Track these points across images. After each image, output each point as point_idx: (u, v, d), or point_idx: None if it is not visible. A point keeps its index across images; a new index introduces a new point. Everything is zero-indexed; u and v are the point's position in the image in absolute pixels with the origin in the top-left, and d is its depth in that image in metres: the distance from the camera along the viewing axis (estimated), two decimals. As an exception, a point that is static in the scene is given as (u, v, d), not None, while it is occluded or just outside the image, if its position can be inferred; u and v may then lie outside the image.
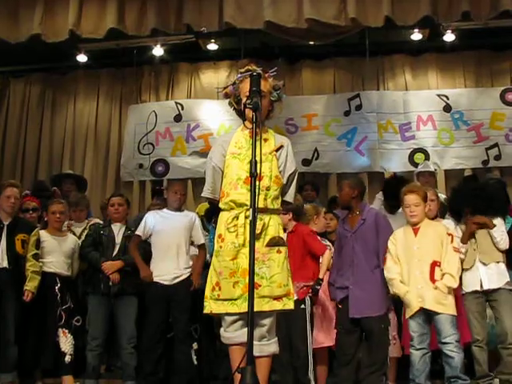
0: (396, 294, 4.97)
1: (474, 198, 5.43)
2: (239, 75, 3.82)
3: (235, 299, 3.61)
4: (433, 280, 4.81)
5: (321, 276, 5.33)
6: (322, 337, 5.52)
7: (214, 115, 8.95)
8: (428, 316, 4.84)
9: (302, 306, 5.23)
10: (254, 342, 3.35)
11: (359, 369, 5.15)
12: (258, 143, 3.46)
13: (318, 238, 5.63)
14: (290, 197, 3.91)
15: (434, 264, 4.85)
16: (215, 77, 9.30)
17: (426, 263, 4.86)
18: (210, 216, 6.69)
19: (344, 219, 5.38)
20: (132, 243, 5.80)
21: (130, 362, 5.72)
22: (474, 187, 5.68)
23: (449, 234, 4.95)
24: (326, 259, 5.39)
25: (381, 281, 5.07)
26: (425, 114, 8.65)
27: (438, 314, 4.77)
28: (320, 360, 5.54)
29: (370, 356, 5.09)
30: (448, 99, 8.64)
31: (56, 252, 5.83)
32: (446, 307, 4.76)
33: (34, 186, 7.83)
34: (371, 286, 5.08)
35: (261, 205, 3.58)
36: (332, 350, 5.54)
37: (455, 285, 4.85)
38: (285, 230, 5.01)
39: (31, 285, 5.51)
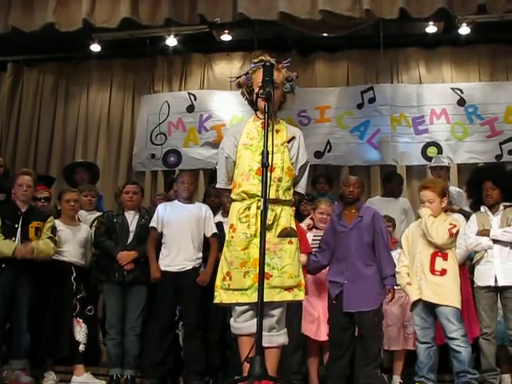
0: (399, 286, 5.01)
1: (497, 171, 5.44)
2: (252, 65, 3.81)
3: (246, 289, 3.62)
4: (433, 271, 4.79)
5: None
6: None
7: (226, 106, 8.94)
8: (430, 310, 4.83)
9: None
10: (264, 333, 3.37)
11: (353, 362, 5.23)
12: (269, 134, 3.47)
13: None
14: (301, 188, 3.92)
15: (435, 254, 4.83)
16: (228, 68, 9.26)
17: (426, 254, 4.86)
18: None
19: (339, 215, 5.43)
20: (149, 239, 5.80)
21: (131, 350, 5.75)
22: (498, 164, 5.58)
23: (451, 224, 4.90)
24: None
25: (375, 276, 5.16)
26: (438, 108, 8.59)
27: (438, 306, 4.75)
28: (311, 352, 5.60)
29: (364, 350, 5.15)
30: (462, 93, 8.57)
31: (71, 241, 5.86)
32: (445, 299, 4.73)
33: None
34: (365, 281, 5.16)
35: (272, 196, 3.59)
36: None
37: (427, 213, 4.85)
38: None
39: (37, 243, 5.48)
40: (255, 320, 3.41)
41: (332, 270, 5.36)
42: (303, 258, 5.37)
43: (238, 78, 3.92)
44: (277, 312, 3.68)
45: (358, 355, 5.19)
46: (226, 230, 3.84)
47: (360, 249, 5.22)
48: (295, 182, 3.86)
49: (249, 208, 3.68)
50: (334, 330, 5.27)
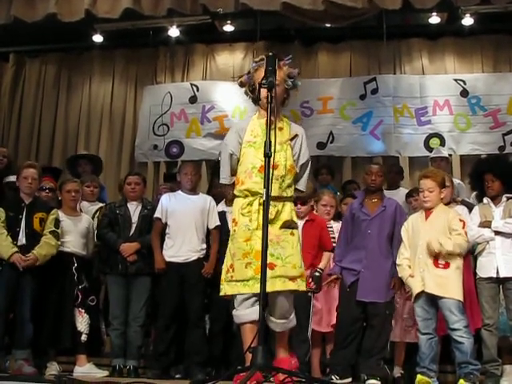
0: (401, 278, 5.00)
1: (498, 162, 5.45)
2: (254, 64, 3.86)
3: (247, 280, 3.67)
4: (436, 264, 4.78)
5: (322, 266, 5.43)
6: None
7: (229, 97, 8.91)
8: (432, 301, 4.82)
9: (309, 294, 5.30)
10: (276, 320, 3.60)
11: (359, 352, 5.23)
12: (272, 133, 3.51)
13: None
14: (302, 185, 4.01)
15: None
16: (231, 58, 9.25)
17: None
18: None
19: (362, 202, 5.39)
20: (154, 230, 5.82)
21: (134, 341, 5.77)
22: (499, 156, 5.96)
23: (461, 221, 4.91)
24: (329, 255, 5.52)
25: (391, 269, 5.15)
26: (441, 99, 8.57)
27: (440, 298, 4.74)
28: (313, 343, 5.61)
29: (371, 341, 5.16)
30: (465, 84, 8.54)
31: (72, 232, 5.86)
32: (448, 291, 4.71)
33: None
34: (382, 271, 5.17)
35: (275, 193, 3.66)
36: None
37: (446, 249, 4.80)
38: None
39: (39, 250, 5.47)
40: (257, 307, 3.45)
41: (348, 257, 5.31)
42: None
43: (240, 77, 3.99)
44: (287, 301, 3.76)
45: (364, 346, 5.19)
46: (229, 221, 3.90)
47: (381, 239, 5.23)
48: (296, 179, 3.93)
49: (251, 204, 3.76)
50: (344, 319, 5.24)
